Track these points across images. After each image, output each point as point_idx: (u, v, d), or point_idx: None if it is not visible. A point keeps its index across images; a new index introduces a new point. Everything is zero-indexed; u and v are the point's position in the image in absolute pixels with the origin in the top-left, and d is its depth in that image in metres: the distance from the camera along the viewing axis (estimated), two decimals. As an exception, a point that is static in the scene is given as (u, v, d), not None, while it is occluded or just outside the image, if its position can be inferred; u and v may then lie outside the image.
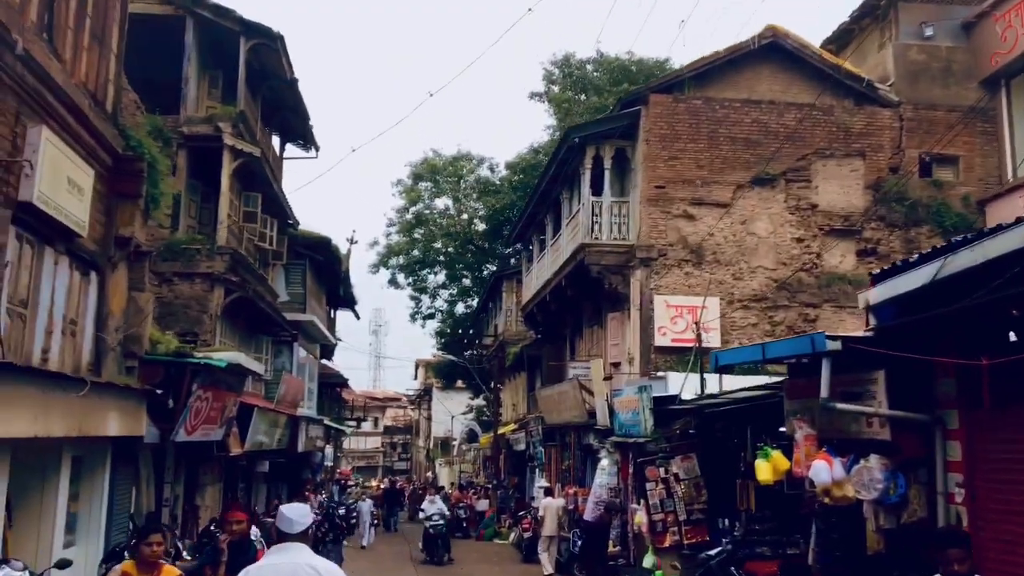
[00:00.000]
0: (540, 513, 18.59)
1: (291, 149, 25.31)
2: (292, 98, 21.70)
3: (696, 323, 13.96)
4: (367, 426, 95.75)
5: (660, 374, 14.44)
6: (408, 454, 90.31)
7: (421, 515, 21.82)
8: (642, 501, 12.53)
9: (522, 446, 25.59)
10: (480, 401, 47.48)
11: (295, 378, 22.94)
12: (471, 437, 45.19)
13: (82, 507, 11.04)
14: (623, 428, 13.86)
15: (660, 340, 15.39)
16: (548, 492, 19.09)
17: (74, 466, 10.94)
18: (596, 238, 16.51)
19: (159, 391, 11.89)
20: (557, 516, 18.06)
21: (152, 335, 12.86)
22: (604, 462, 15.79)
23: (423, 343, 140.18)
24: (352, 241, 31.31)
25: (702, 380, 12.91)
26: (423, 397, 65.23)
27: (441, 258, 40.24)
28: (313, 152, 25.47)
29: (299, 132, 24.19)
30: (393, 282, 40.78)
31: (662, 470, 12.32)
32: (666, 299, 15.59)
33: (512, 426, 28.80)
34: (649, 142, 16.09)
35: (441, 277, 40.30)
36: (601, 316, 18.33)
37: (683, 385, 13.04)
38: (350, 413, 45.20)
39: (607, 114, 17.29)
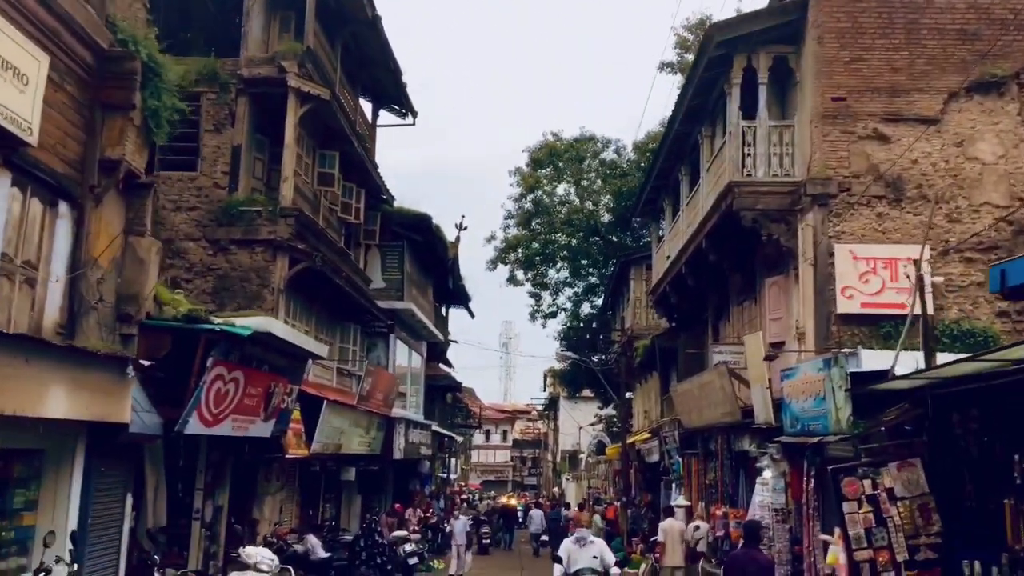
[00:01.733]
0: (660, 537, 14.59)
1: (385, 117, 22.48)
2: (377, 46, 18.69)
3: (916, 268, 9.57)
4: (496, 439, 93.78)
5: (847, 351, 10.16)
6: (538, 468, 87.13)
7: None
8: (836, 531, 8.35)
9: (655, 457, 21.48)
10: (609, 410, 43.36)
11: (385, 371, 19.84)
12: (600, 449, 41.11)
13: (42, 520, 8.07)
14: (798, 423, 9.71)
15: (845, 305, 11.10)
16: (670, 512, 14.97)
17: (25, 462, 7.99)
18: (749, 175, 12.41)
19: (149, 363, 8.79)
20: (683, 543, 13.99)
21: (160, 295, 9.84)
22: (766, 474, 11.62)
23: (550, 351, 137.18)
24: (461, 227, 28.18)
25: (929, 354, 8.59)
26: (551, 408, 61.67)
27: (563, 252, 36.60)
28: (410, 119, 22.50)
29: (391, 93, 21.21)
30: (512, 279, 37.48)
31: (867, 483, 8.11)
32: (852, 249, 11.29)
33: (644, 435, 24.69)
34: (823, 41, 11.85)
35: (564, 273, 36.58)
36: (754, 285, 14.13)
37: (894, 362, 8.79)
38: (464, 420, 42.06)
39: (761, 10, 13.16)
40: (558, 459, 55.29)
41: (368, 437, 18.69)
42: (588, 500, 36.63)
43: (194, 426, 9.56)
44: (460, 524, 19.52)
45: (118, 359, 8.29)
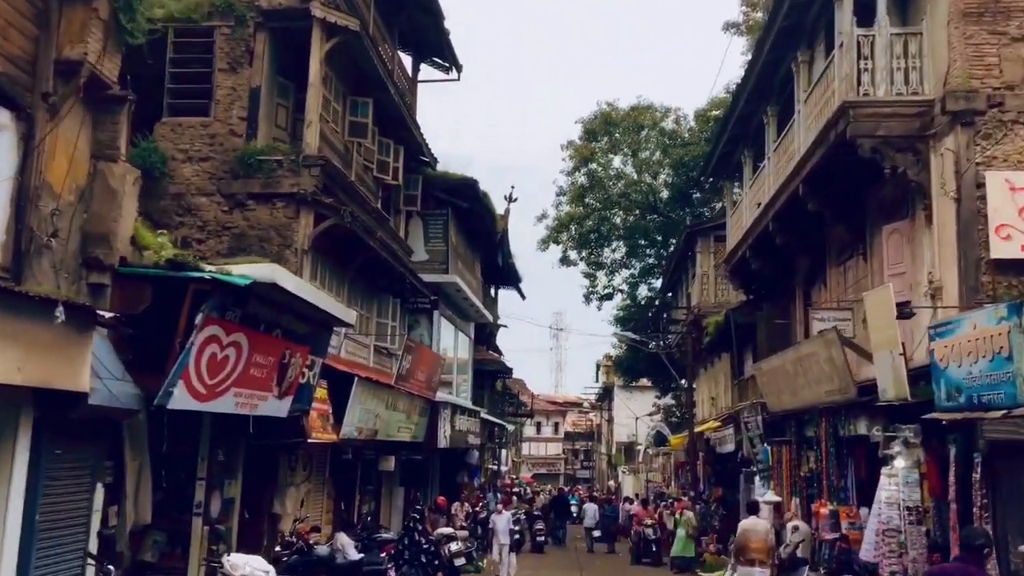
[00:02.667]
0: (739, 540, 12.09)
1: (427, 72, 20.49)
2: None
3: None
4: (548, 431, 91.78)
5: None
6: (590, 461, 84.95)
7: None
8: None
9: (729, 446, 19.13)
10: (668, 400, 40.96)
11: (428, 349, 17.86)
12: (659, 441, 38.73)
13: (-27, 513, 6.22)
14: (961, 394, 7.39)
15: (1000, 249, 8.71)
16: (754, 509, 12.47)
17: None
18: (866, 94, 10.05)
19: (112, 315, 6.88)
20: (768, 545, 11.58)
21: (140, 236, 7.93)
22: (897, 463, 9.28)
23: (604, 342, 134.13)
24: (511, 199, 26.04)
25: None
26: (604, 399, 59.35)
27: (618, 231, 34.27)
28: (454, 73, 20.49)
29: (432, 41, 19.18)
30: (565, 260, 35.28)
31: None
32: (1008, 178, 8.89)
33: (714, 423, 22.33)
34: (961, -81, 9.45)
35: (619, 253, 34.29)
36: (865, 236, 11.73)
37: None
38: (515, 408, 40.01)
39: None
40: (613, 451, 52.97)
41: (410, 423, 16.75)
42: (648, 494, 34.37)
43: (181, 399, 7.63)
44: (503, 521, 17.14)
45: (89, 315, 6.39)
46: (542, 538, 23.79)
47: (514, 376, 47.30)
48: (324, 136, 13.32)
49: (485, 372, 28.62)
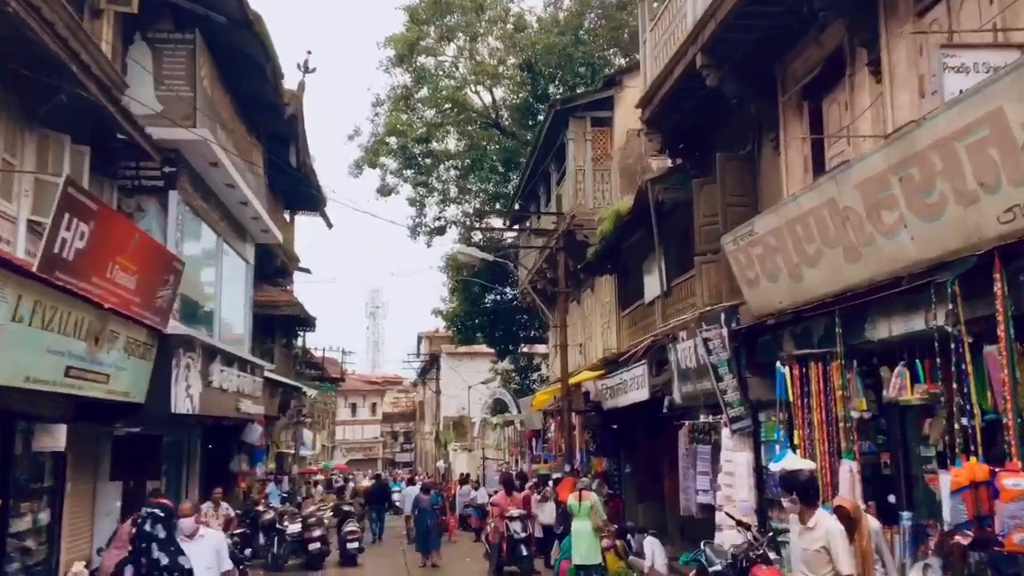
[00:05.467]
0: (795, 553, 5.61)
1: None
2: None
3: None
4: (364, 413, 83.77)
5: None
6: (411, 443, 78.35)
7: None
8: None
9: (636, 393, 12.79)
10: (506, 364, 34.77)
11: (145, 235, 10.05)
12: (499, 410, 32.41)
13: None
14: None
15: None
16: (805, 492, 5.70)
17: None
18: None
19: None
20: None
21: None
22: None
23: (424, 316, 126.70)
24: (306, 68, 18.30)
25: None
26: (430, 369, 52.44)
27: (450, 155, 27.36)
28: None
29: None
30: (383, 191, 27.85)
31: None
32: None
33: (592, 373, 16.01)
34: None
35: (452, 175, 27.29)
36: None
37: None
38: (319, 373, 32.28)
39: None
40: (440, 427, 46.26)
41: (102, 366, 8.98)
42: (482, 474, 27.90)
43: None
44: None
45: None
46: (355, 544, 16.54)
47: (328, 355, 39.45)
48: None
49: (275, 320, 20.82)
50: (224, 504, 12.24)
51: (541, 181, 21.12)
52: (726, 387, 8.98)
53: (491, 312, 30.71)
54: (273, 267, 20.93)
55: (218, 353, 13.17)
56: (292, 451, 27.28)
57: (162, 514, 7.02)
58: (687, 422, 10.26)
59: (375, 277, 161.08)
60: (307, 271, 24.98)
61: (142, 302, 9.82)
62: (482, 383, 39.31)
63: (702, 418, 9.88)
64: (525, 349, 33.39)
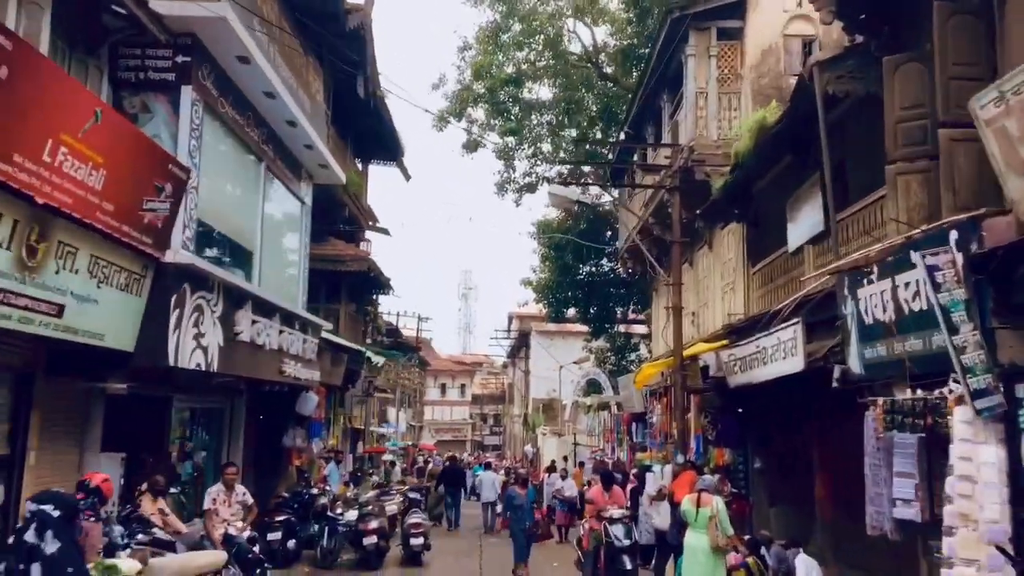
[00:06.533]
0: None
1: None
2: None
3: None
4: (454, 394, 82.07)
5: None
6: (500, 426, 76.30)
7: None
8: None
9: (787, 364, 9.50)
10: (601, 343, 31.51)
11: (116, 115, 7.42)
12: (592, 390, 29.35)
13: None
14: None
15: None
16: None
17: None
18: None
19: None
20: None
21: None
22: None
23: (513, 300, 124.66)
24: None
25: None
26: (519, 350, 49.72)
27: (548, 93, 24.25)
28: None
29: None
30: (470, 145, 25.01)
31: None
32: None
33: (713, 344, 12.75)
34: None
35: (547, 117, 24.13)
36: None
37: None
38: (394, 340, 29.81)
39: None
40: (529, 410, 43.48)
41: (48, 291, 6.43)
42: (575, 463, 24.88)
43: None
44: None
45: None
46: (419, 539, 13.83)
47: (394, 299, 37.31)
48: None
49: (342, 278, 18.30)
50: (240, 487, 9.65)
51: (650, 119, 17.81)
52: (964, 342, 5.70)
53: (585, 284, 27.70)
54: (341, 218, 18.44)
55: (248, 298, 10.59)
56: (363, 427, 24.90)
57: (56, 513, 4.44)
58: (878, 399, 6.96)
59: (464, 254, 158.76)
60: (385, 231, 22.47)
61: (117, 211, 7.22)
62: (574, 363, 36.30)
63: (908, 393, 6.58)
64: (622, 329, 30.16)
